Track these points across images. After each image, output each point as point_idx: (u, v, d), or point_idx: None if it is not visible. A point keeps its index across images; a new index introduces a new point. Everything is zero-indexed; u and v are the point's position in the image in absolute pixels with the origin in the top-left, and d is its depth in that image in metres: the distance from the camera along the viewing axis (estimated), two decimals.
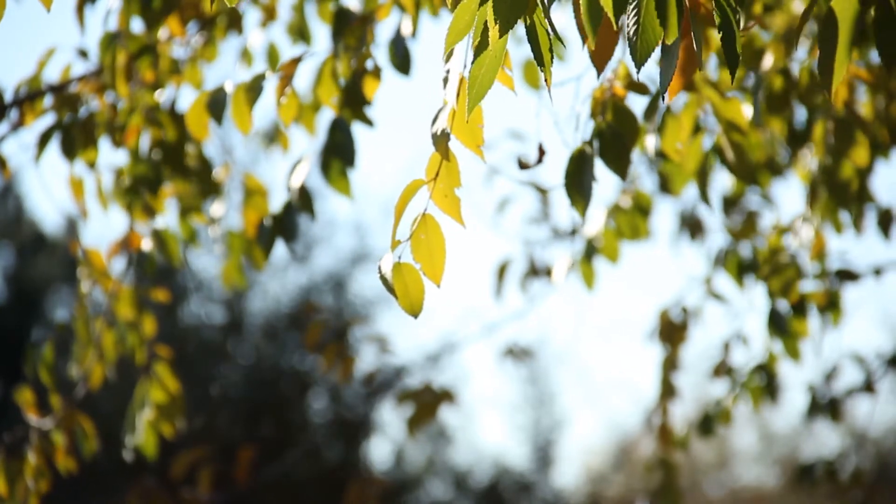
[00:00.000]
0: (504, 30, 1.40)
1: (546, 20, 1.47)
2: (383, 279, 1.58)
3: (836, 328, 3.22)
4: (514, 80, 1.64)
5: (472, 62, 1.48)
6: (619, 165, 1.97)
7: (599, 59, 1.65)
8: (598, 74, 1.66)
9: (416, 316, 1.59)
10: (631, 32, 1.38)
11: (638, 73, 1.40)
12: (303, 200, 2.55)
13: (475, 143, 1.62)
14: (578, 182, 1.93)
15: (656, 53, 1.42)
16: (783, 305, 3.12)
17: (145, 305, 3.12)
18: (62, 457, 3.01)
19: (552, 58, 1.48)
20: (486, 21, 1.44)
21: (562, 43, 1.50)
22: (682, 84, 1.63)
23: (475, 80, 1.48)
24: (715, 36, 1.86)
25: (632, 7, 1.38)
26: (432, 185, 1.62)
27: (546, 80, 1.49)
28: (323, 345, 3.96)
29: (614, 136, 1.97)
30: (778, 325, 3.11)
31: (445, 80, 1.63)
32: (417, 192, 1.61)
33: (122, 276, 3.06)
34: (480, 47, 1.46)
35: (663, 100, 1.50)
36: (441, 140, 1.61)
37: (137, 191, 2.86)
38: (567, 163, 1.95)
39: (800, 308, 3.10)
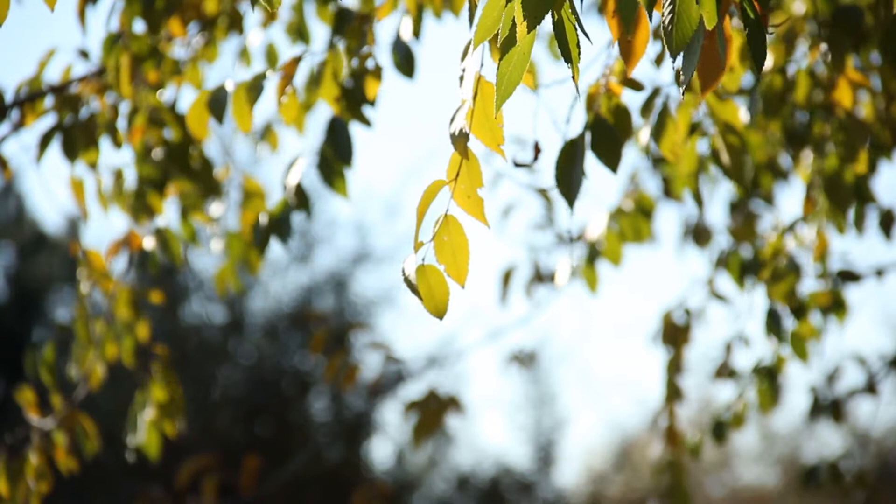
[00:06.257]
0: (532, 25, 1.39)
1: (574, 16, 1.44)
2: (408, 281, 1.57)
3: (841, 329, 3.22)
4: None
5: (500, 60, 1.45)
6: (611, 158, 1.96)
7: (631, 56, 1.62)
8: (629, 71, 1.63)
9: (441, 318, 1.58)
10: (666, 21, 1.36)
11: (674, 62, 1.37)
12: (299, 199, 2.54)
13: (496, 142, 1.59)
14: (568, 174, 1.92)
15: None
16: (782, 307, 3.11)
17: (142, 306, 3.11)
18: (63, 456, 3.00)
19: (580, 54, 1.46)
20: (513, 18, 1.42)
21: (588, 39, 1.46)
22: (713, 82, 1.60)
23: (503, 77, 1.46)
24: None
25: None
26: (453, 185, 1.60)
27: (574, 78, 1.47)
28: (327, 353, 3.92)
29: (606, 129, 1.96)
30: (776, 326, 3.10)
31: (461, 79, 1.61)
32: (439, 192, 1.60)
33: (121, 277, 3.06)
34: (507, 44, 1.44)
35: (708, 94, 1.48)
36: (460, 139, 1.59)
37: (143, 191, 2.85)
38: (558, 155, 1.95)
39: (800, 310, 3.10)
